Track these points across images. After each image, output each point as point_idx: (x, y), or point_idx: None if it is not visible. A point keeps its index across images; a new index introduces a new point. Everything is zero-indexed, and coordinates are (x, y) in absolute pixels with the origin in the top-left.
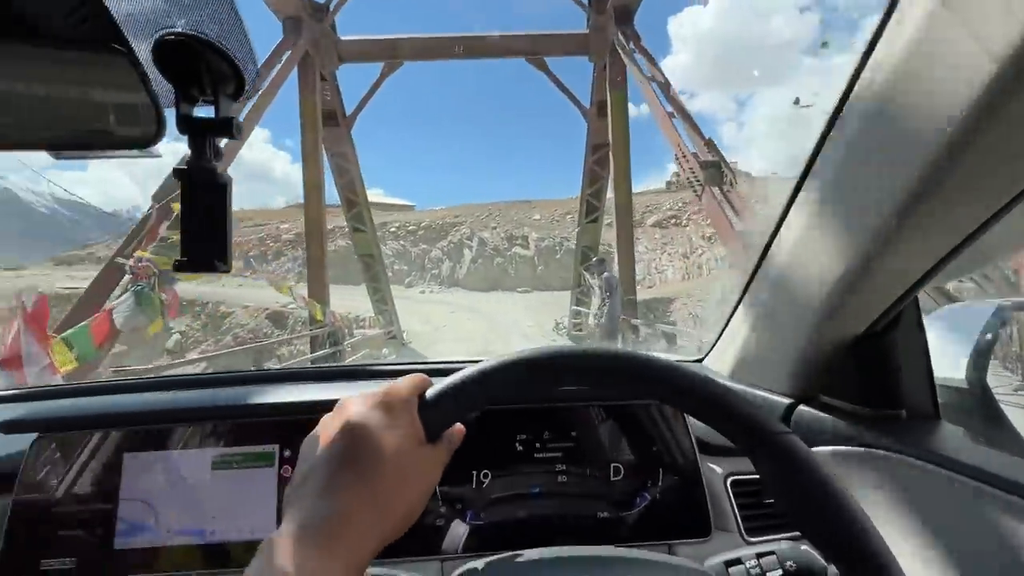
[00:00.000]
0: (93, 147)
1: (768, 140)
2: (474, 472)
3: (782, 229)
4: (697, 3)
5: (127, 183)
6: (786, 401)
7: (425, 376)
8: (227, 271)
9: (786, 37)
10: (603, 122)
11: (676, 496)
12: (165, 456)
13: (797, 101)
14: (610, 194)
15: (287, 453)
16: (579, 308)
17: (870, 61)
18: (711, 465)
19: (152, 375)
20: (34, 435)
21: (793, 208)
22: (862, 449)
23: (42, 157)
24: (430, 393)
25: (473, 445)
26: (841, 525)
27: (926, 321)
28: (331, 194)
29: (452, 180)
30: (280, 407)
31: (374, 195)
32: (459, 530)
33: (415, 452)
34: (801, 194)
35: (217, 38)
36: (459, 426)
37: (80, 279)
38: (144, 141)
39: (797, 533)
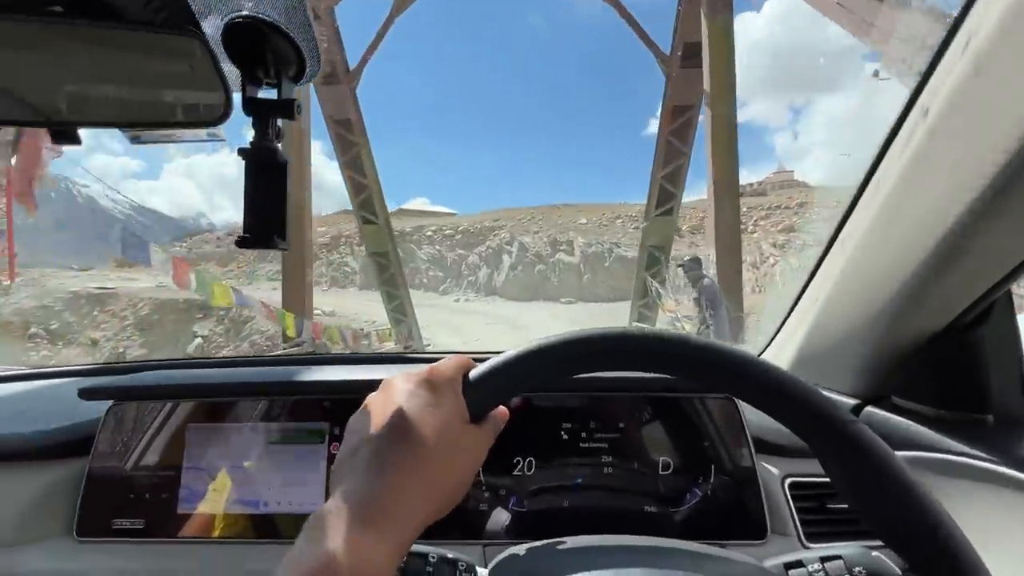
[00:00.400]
0: (165, 126)
1: (826, 149)
2: (518, 459)
3: (853, 213)
4: (749, 9)
5: (193, 191)
6: (853, 401)
7: (468, 357)
8: (286, 248)
9: (846, 43)
10: (689, 75)
11: (729, 495)
12: (225, 428)
13: (876, 73)
14: (689, 199)
15: (336, 431)
16: (642, 325)
17: (955, 38)
18: (767, 465)
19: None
20: (109, 403)
21: (867, 191)
22: (941, 456)
23: (120, 169)
24: (473, 374)
25: (517, 432)
26: (924, 526)
27: (1020, 316)
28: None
29: (493, 185)
30: (331, 386)
31: (419, 204)
32: (502, 516)
33: (460, 431)
34: (876, 175)
35: (282, 22)
36: (503, 409)
37: (122, 280)
38: (212, 120)
39: (863, 543)
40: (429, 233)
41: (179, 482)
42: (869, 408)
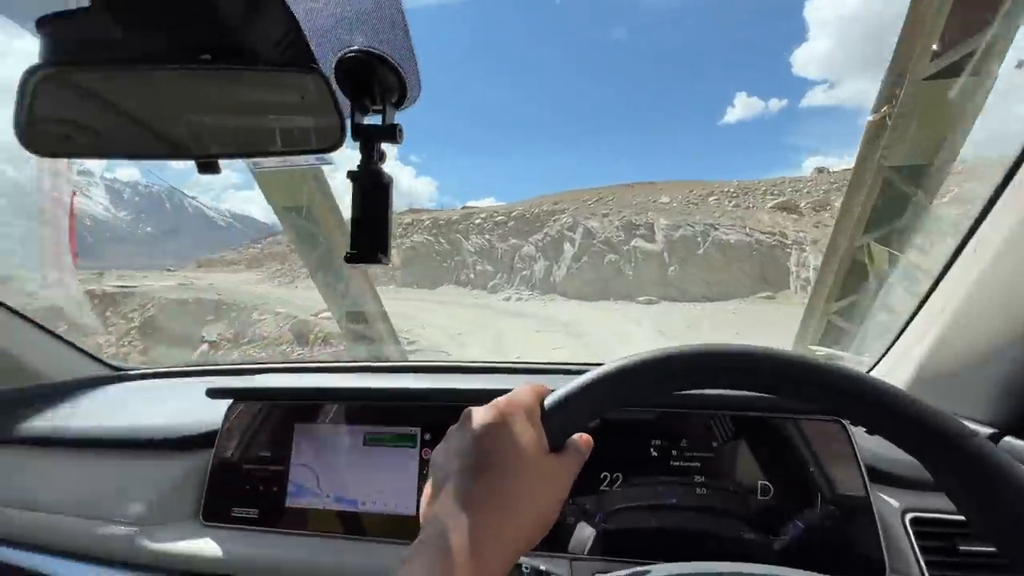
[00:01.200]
0: (289, 154)
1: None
2: (605, 474)
3: (989, 215)
4: None
5: None
6: (988, 430)
7: (542, 384)
8: (387, 263)
9: None
10: None
11: (839, 526)
12: (327, 429)
13: (1021, 64)
14: None
15: (427, 436)
16: (839, 351)
17: None
18: (885, 497)
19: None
20: (229, 401)
21: (1007, 190)
22: None
23: (222, 181)
24: (548, 401)
25: (604, 447)
26: None
27: None
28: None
29: (557, 173)
30: (424, 393)
31: (488, 203)
32: (586, 532)
33: (541, 461)
34: (1018, 174)
35: (388, 53)
36: (586, 436)
37: (194, 278)
38: (328, 147)
39: None
40: (478, 221)
41: (287, 477)
42: (1008, 439)
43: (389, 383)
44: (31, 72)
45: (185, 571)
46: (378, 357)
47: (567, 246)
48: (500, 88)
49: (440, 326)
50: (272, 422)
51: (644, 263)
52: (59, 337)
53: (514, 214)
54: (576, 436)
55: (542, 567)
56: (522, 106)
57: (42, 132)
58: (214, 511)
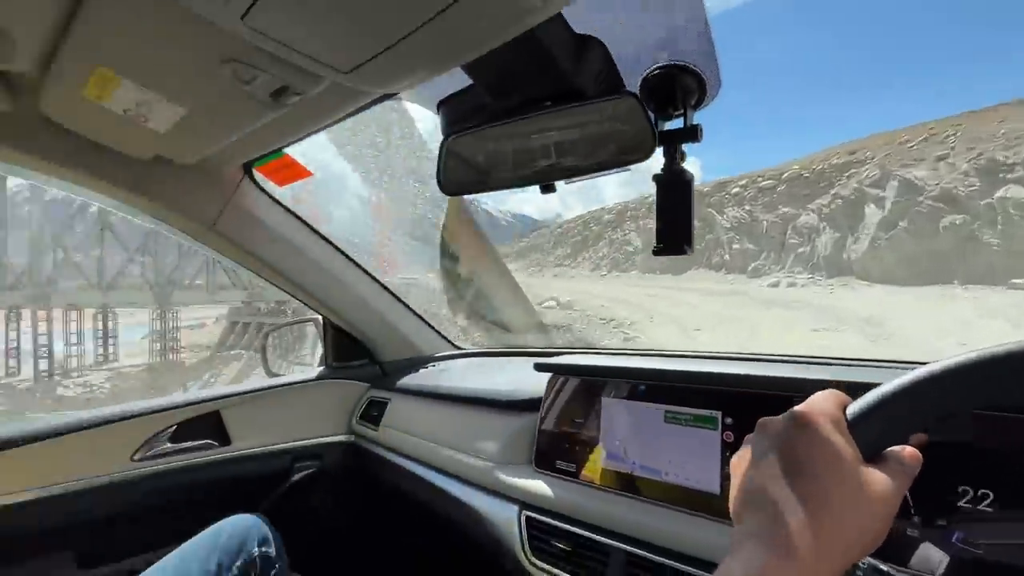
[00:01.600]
0: (608, 168)
1: None
2: (965, 489)
3: None
4: None
5: (553, 198)
6: None
7: (839, 392)
8: (691, 253)
9: None
10: None
11: None
12: (630, 405)
13: None
14: None
15: (728, 420)
16: None
17: None
18: None
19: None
20: (550, 374)
21: None
22: None
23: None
24: (851, 410)
25: (963, 454)
26: None
27: None
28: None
29: (851, 120)
30: (723, 378)
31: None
32: (934, 553)
33: (856, 470)
34: None
35: (691, 61)
36: (911, 450)
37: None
38: (641, 158)
39: None
40: (735, 190)
41: (599, 441)
42: None
43: (689, 367)
44: (443, 142)
45: (523, 502)
46: (509, 345)
47: (869, 209)
48: (779, 34)
49: (675, 318)
50: (583, 394)
51: (1020, 227)
52: (428, 323)
53: (786, 175)
54: (898, 448)
55: (883, 567)
56: (805, 50)
57: (452, 179)
58: (542, 461)
